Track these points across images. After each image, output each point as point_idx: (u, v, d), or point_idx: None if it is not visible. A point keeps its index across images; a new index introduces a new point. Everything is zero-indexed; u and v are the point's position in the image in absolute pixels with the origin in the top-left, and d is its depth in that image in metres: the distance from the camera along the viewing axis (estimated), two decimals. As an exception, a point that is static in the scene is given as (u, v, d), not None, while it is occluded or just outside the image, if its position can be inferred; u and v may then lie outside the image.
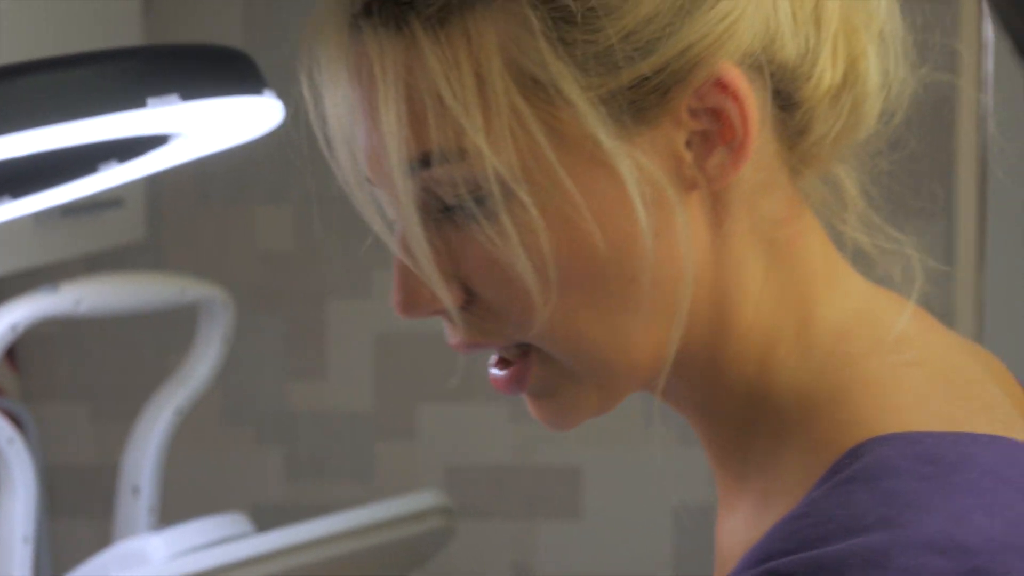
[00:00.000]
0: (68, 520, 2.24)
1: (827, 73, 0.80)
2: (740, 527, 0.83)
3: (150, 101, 1.03)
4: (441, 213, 0.78)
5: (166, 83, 1.04)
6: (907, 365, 0.80)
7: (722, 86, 0.77)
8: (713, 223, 0.80)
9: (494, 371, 0.82)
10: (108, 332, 2.22)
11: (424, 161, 0.77)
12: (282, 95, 1.18)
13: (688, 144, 0.78)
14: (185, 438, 2.19)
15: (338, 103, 0.80)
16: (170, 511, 2.09)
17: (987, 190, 2.12)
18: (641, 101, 0.77)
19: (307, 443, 2.22)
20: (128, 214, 1.87)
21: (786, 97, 0.80)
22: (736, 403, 0.82)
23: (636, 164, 0.77)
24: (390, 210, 0.80)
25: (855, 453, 0.75)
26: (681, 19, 0.77)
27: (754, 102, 0.78)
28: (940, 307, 2.12)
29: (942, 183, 2.10)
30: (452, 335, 0.81)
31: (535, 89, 0.76)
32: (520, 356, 0.81)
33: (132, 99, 1.03)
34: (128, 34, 1.90)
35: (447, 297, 0.78)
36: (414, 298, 0.79)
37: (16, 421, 2.16)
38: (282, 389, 2.20)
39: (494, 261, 0.78)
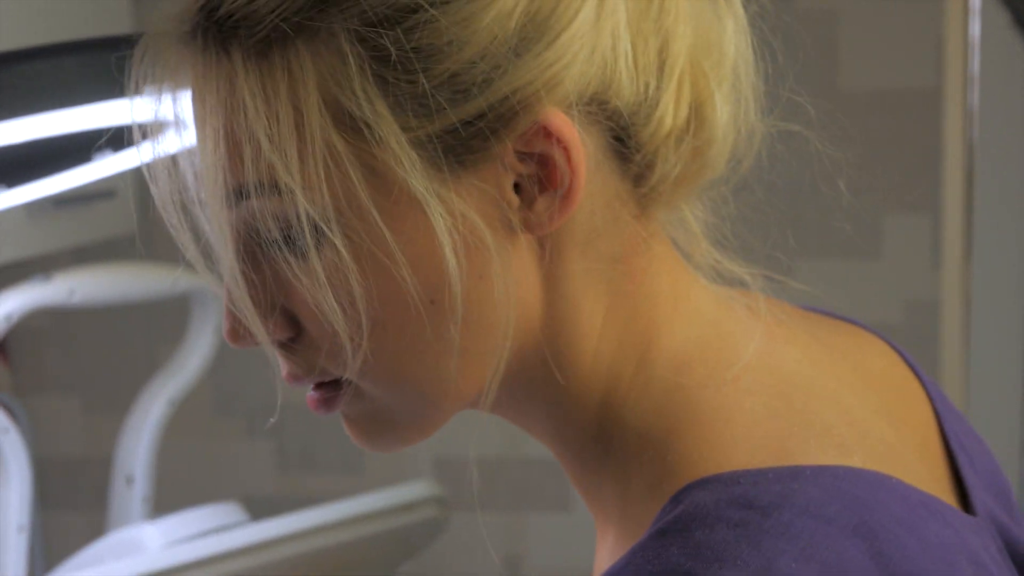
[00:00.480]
0: (58, 512, 2.24)
1: (667, 118, 0.79)
2: (604, 560, 0.83)
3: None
4: (262, 245, 0.77)
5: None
6: (743, 393, 0.79)
7: (547, 133, 0.76)
8: (544, 265, 0.78)
9: (311, 392, 0.81)
10: (98, 325, 2.22)
11: (240, 193, 0.76)
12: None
13: (516, 187, 0.77)
14: (176, 430, 2.19)
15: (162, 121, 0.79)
16: (160, 503, 2.09)
17: (974, 185, 2.13)
18: (462, 145, 0.75)
19: (297, 435, 2.22)
20: (120, 206, 1.87)
21: (624, 140, 0.78)
22: (587, 442, 0.82)
23: (450, 209, 0.75)
24: (211, 237, 0.79)
25: (676, 499, 0.75)
26: (505, 66, 0.75)
27: (582, 149, 0.76)
28: (927, 300, 2.13)
29: (929, 178, 2.11)
30: (281, 366, 0.81)
31: (353, 127, 0.74)
32: (332, 381, 0.80)
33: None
34: (117, 23, 1.90)
35: (260, 331, 0.77)
36: (240, 328, 0.79)
37: (9, 413, 2.16)
38: (273, 381, 2.20)
39: (306, 299, 0.77)
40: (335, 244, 0.75)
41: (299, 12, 0.74)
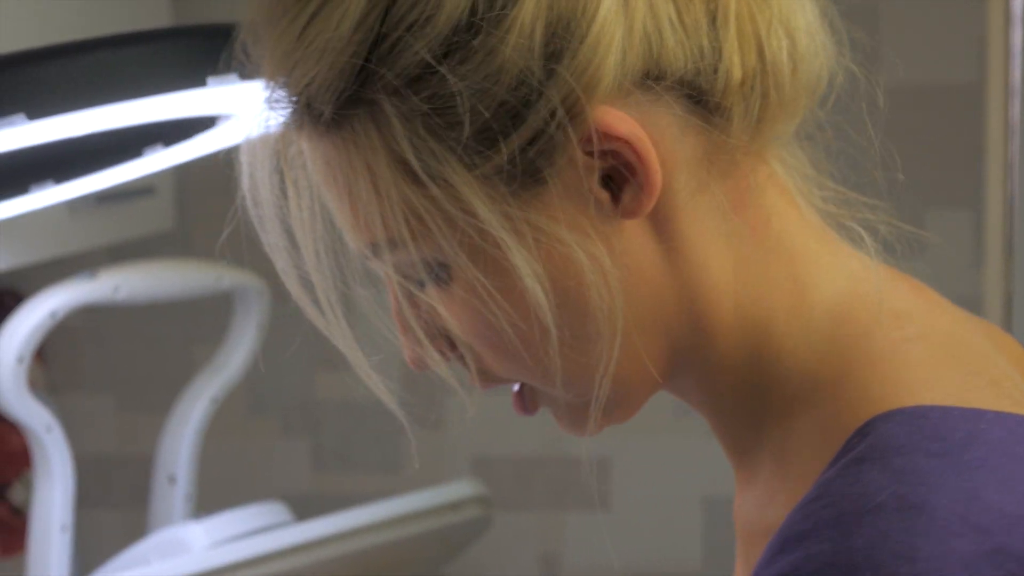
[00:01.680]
0: (92, 512, 2.22)
1: (735, 69, 0.79)
2: (756, 507, 0.84)
3: (210, 80, 1.02)
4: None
5: (226, 62, 1.03)
6: (911, 340, 0.79)
7: (603, 133, 0.77)
8: (661, 239, 0.80)
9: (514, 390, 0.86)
10: (132, 324, 2.20)
11: (371, 247, 0.81)
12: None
13: (602, 182, 0.79)
14: (210, 429, 2.17)
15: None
16: (197, 503, 2.07)
17: (1015, 181, 2.11)
18: (531, 165, 0.78)
19: (333, 434, 2.20)
20: (159, 203, 1.86)
21: (698, 101, 0.79)
22: (741, 395, 0.83)
23: (530, 231, 0.78)
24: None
25: (862, 432, 0.76)
26: (542, 82, 0.76)
27: (643, 136, 0.78)
28: (969, 296, 2.11)
29: (971, 174, 2.09)
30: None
31: (423, 180, 0.78)
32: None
33: (192, 78, 1.01)
34: (156, 15, 1.88)
35: (428, 353, 0.83)
36: (418, 356, 0.84)
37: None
38: (308, 379, 2.18)
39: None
40: (432, 290, 0.81)
41: (347, 89, 0.78)
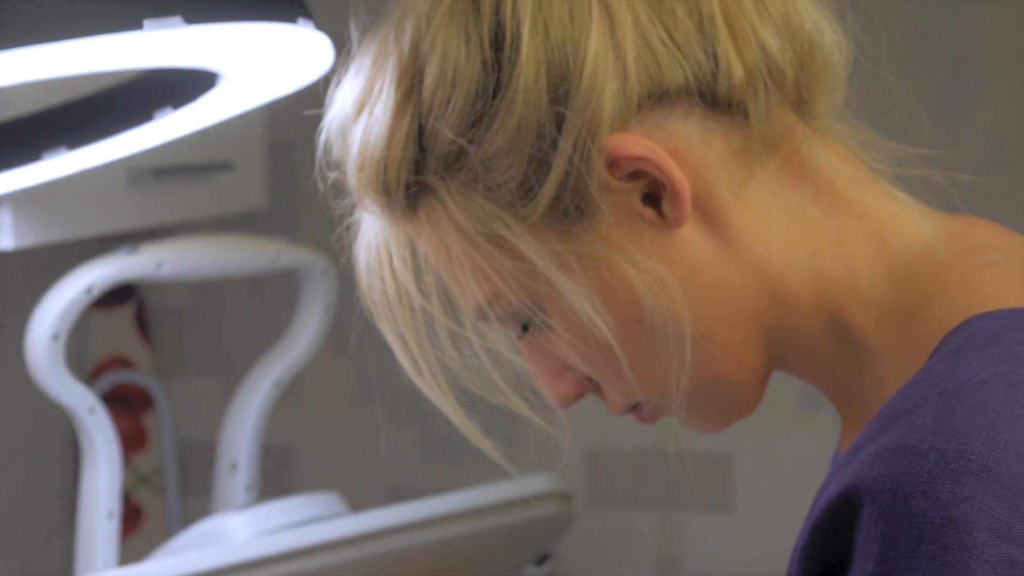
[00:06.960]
0: (200, 498, 2.17)
1: (736, 69, 0.85)
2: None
3: (147, 23, 0.93)
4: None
5: (167, 3, 0.94)
6: (996, 264, 0.84)
7: (621, 157, 0.84)
8: (716, 233, 0.86)
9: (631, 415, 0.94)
10: (242, 304, 2.15)
11: (478, 308, 0.91)
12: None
13: (644, 200, 0.85)
14: (318, 417, 2.10)
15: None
16: (301, 491, 2.01)
17: None
18: (572, 203, 0.85)
19: (442, 423, 2.11)
20: (240, 179, 1.78)
21: (710, 101, 0.85)
22: (837, 350, 0.88)
23: (578, 257, 0.86)
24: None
25: (959, 329, 0.80)
26: (558, 127, 0.84)
27: (659, 152, 0.84)
28: None
29: None
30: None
31: (480, 242, 0.87)
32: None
33: (126, 19, 0.92)
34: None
35: (563, 388, 0.94)
36: (559, 394, 0.95)
37: (148, 396, 2.10)
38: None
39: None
40: (536, 324, 0.89)
41: (407, 179, 0.88)
